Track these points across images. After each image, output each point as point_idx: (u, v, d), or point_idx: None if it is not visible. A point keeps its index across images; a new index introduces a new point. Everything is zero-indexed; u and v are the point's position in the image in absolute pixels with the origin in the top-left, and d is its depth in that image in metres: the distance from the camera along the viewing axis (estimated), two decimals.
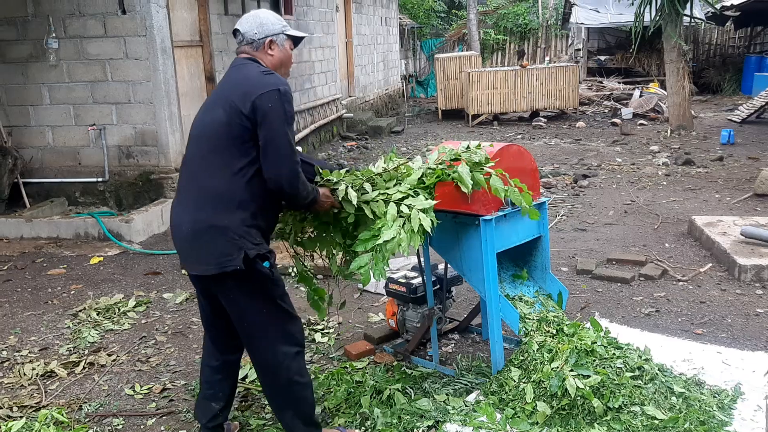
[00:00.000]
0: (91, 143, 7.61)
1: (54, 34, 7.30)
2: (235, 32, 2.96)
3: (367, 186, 3.12)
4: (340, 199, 3.09)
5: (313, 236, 3.39)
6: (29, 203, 7.55)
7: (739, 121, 13.15)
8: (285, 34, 2.96)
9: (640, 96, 15.43)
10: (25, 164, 7.64)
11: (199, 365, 4.05)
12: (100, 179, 7.62)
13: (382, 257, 2.93)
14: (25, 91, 7.63)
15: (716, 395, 3.32)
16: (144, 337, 4.52)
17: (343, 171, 3.23)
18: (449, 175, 3.21)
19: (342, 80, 14.46)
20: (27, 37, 7.43)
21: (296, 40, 3.03)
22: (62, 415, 3.47)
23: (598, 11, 19.13)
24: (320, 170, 3.21)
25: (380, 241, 2.93)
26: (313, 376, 3.70)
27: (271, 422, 3.33)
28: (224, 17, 8.78)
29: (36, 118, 7.70)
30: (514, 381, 3.35)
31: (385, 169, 3.24)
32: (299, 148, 2.87)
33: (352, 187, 3.09)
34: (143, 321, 4.80)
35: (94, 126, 7.49)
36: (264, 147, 2.72)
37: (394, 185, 3.15)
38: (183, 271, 5.46)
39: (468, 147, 3.34)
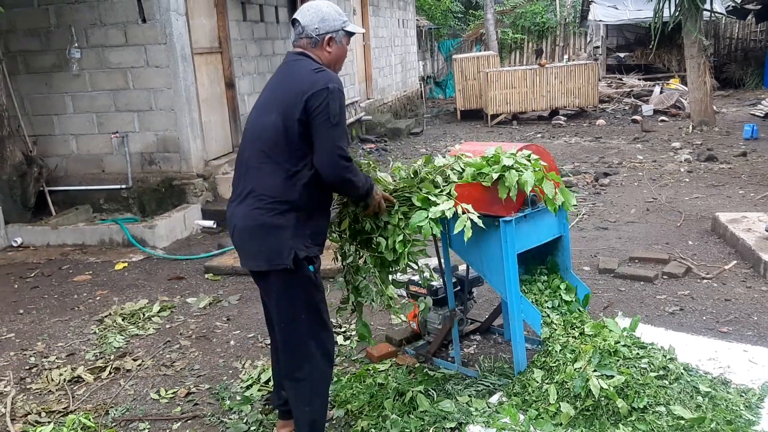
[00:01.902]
0: (114, 151, 7.72)
1: (76, 44, 7.42)
2: (294, 23, 2.92)
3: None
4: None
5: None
6: (55, 211, 7.66)
7: (762, 115, 12.96)
8: (344, 30, 2.93)
9: (661, 92, 15.28)
10: (50, 173, 7.76)
11: (222, 368, 4.11)
12: (123, 186, 7.72)
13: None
14: (49, 100, 7.75)
15: (743, 394, 3.28)
16: (168, 341, 4.57)
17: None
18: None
19: (360, 83, 14.48)
20: (50, 47, 7.55)
21: (352, 35, 3.00)
22: (89, 420, 3.52)
23: (616, 8, 18.96)
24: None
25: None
26: (335, 379, 3.73)
27: None
28: (242, 23, 8.85)
29: (60, 127, 7.82)
30: (537, 382, 3.34)
31: (396, 187, 3.23)
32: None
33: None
34: (168, 326, 4.85)
35: (117, 134, 7.59)
36: (315, 142, 2.75)
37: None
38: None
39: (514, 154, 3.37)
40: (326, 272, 5.43)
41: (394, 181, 3.29)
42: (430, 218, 3.07)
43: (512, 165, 3.29)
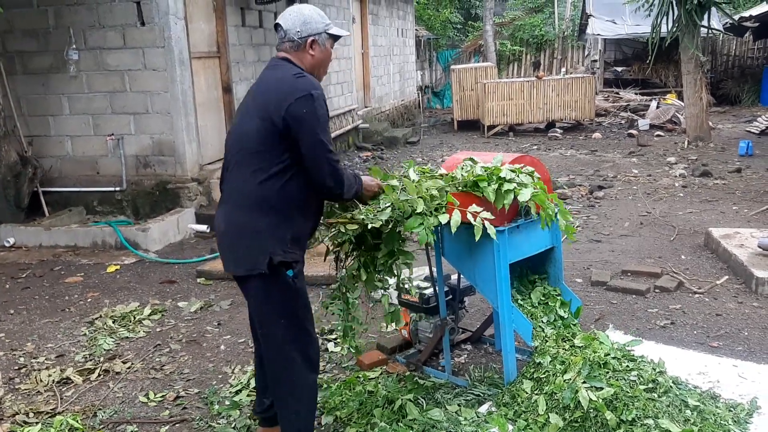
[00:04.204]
0: (109, 153, 7.71)
1: (74, 46, 7.42)
2: (277, 27, 2.91)
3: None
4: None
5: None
6: (48, 212, 7.65)
7: (757, 132, 13.03)
8: (327, 33, 2.92)
9: (657, 107, 15.35)
10: (44, 173, 7.74)
11: (212, 373, 4.09)
12: (117, 188, 7.71)
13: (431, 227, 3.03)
14: (45, 101, 7.75)
15: (732, 409, 3.28)
16: (159, 345, 4.56)
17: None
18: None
19: (358, 91, 14.52)
20: (48, 48, 7.56)
21: (336, 38, 2.99)
22: (77, 421, 3.50)
23: (614, 22, 19.06)
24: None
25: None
26: (325, 386, 3.72)
27: None
28: (241, 29, 8.87)
29: (56, 128, 7.81)
30: (527, 392, 3.34)
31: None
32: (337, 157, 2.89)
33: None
34: (158, 329, 4.83)
35: (113, 136, 7.59)
36: (304, 152, 2.74)
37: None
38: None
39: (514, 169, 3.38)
40: (318, 279, 5.44)
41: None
42: (426, 227, 3.05)
43: (511, 179, 3.29)
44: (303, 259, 2.91)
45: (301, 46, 2.87)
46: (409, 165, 3.45)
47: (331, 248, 3.30)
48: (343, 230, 3.03)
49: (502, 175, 3.28)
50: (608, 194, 8.61)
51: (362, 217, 2.98)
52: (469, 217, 3.14)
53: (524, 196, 3.23)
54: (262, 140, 2.76)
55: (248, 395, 3.73)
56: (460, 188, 3.27)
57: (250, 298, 2.92)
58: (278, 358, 2.91)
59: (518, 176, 3.32)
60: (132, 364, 4.26)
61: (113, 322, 4.91)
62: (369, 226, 2.96)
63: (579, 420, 3.08)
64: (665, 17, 11.75)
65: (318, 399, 3.60)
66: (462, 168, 3.40)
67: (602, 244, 6.48)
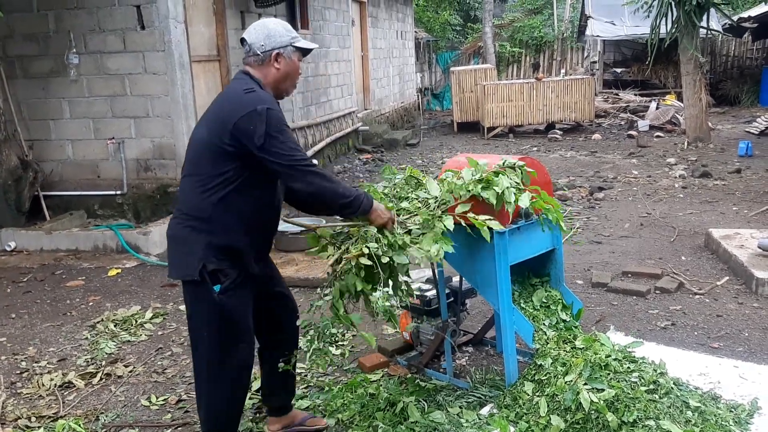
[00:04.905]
0: (110, 157, 7.72)
1: (75, 50, 7.43)
2: (243, 41, 2.92)
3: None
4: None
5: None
6: (49, 216, 7.65)
7: (757, 133, 13.05)
8: (293, 46, 2.90)
9: (657, 108, 15.37)
10: (45, 177, 7.75)
11: None
12: (118, 192, 7.71)
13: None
14: (46, 105, 7.76)
15: (732, 410, 3.29)
16: (160, 348, 4.56)
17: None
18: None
19: (358, 93, 14.54)
20: (48, 52, 7.57)
21: (305, 51, 2.96)
22: (79, 425, 3.51)
23: (613, 24, 19.10)
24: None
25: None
26: (326, 389, 3.73)
27: None
28: (242, 32, 8.85)
29: (56, 132, 7.82)
30: (528, 394, 3.34)
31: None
32: (315, 161, 2.88)
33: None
34: (160, 332, 4.84)
35: (113, 140, 7.60)
36: (267, 164, 2.72)
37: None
38: None
39: (510, 165, 3.37)
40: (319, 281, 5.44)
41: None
42: (438, 240, 3.04)
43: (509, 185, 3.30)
44: (240, 276, 2.86)
45: (265, 60, 2.86)
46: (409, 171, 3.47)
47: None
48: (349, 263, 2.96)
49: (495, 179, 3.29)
50: (608, 195, 8.62)
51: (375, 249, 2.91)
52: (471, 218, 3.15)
53: (524, 201, 3.26)
54: (205, 150, 2.79)
55: (250, 398, 3.73)
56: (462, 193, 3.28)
57: (186, 303, 2.99)
58: (196, 364, 3.03)
59: (506, 177, 3.32)
60: (134, 367, 4.27)
61: (115, 326, 4.92)
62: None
63: (580, 421, 3.08)
64: (664, 18, 11.77)
65: (320, 401, 3.63)
66: (454, 176, 3.39)
67: (602, 245, 6.48)
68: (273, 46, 2.85)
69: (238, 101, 2.75)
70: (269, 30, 2.87)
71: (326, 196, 2.85)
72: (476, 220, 3.17)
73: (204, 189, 2.77)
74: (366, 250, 2.89)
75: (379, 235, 2.97)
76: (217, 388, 2.97)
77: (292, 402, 3.42)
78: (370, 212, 2.94)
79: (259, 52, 2.85)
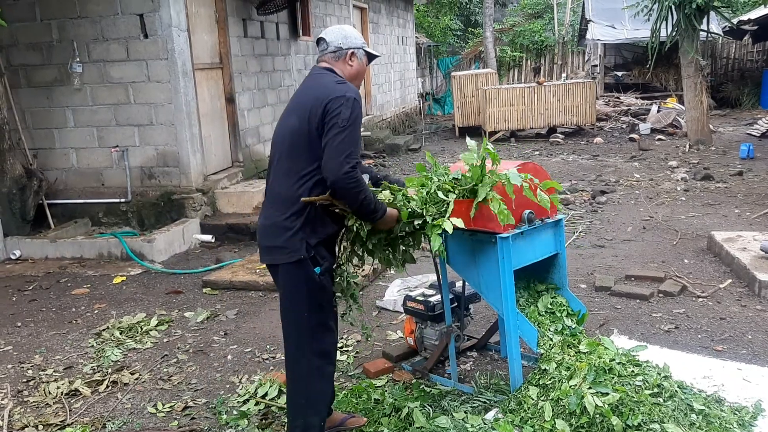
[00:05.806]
0: (114, 164, 7.76)
1: (78, 59, 7.47)
2: (319, 41, 3.19)
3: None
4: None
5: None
6: (54, 224, 7.68)
7: (758, 135, 13.05)
8: (364, 50, 3.20)
9: (658, 111, 15.38)
10: (49, 186, 7.78)
11: (219, 383, 4.12)
12: (122, 200, 7.75)
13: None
14: (50, 114, 7.80)
15: (736, 412, 3.30)
16: (166, 355, 4.59)
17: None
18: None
19: None
20: (52, 61, 7.61)
21: (371, 58, 3.25)
22: None
23: (614, 27, 19.12)
24: (389, 185, 3.33)
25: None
26: None
27: None
28: (243, 39, 8.93)
29: (60, 140, 7.86)
30: (533, 399, 3.36)
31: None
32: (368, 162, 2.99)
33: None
34: (165, 340, 4.86)
35: (117, 148, 7.64)
36: (324, 147, 2.88)
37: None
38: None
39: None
40: None
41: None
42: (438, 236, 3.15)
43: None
44: (331, 263, 3.09)
45: (342, 56, 3.15)
46: (428, 157, 3.61)
47: None
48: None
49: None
50: (610, 199, 8.63)
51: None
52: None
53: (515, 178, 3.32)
54: (297, 137, 2.96)
55: (256, 404, 3.76)
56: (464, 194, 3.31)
57: (279, 288, 3.10)
58: (292, 348, 3.10)
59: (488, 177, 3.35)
60: (140, 375, 4.29)
61: (120, 333, 4.94)
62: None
63: (585, 426, 3.10)
64: (664, 22, 11.78)
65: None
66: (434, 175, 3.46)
67: (605, 249, 6.50)
68: (350, 46, 3.16)
69: (332, 87, 2.98)
70: (346, 32, 3.20)
71: (356, 200, 2.95)
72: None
73: (300, 176, 2.94)
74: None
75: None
76: (315, 366, 3.07)
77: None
78: (381, 219, 3.10)
79: (338, 48, 3.14)
